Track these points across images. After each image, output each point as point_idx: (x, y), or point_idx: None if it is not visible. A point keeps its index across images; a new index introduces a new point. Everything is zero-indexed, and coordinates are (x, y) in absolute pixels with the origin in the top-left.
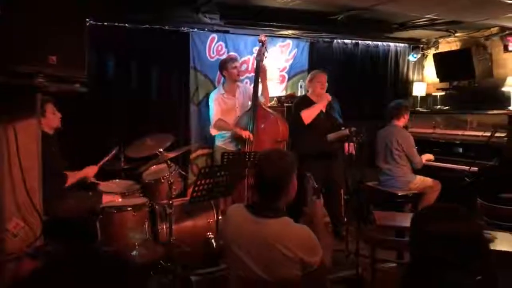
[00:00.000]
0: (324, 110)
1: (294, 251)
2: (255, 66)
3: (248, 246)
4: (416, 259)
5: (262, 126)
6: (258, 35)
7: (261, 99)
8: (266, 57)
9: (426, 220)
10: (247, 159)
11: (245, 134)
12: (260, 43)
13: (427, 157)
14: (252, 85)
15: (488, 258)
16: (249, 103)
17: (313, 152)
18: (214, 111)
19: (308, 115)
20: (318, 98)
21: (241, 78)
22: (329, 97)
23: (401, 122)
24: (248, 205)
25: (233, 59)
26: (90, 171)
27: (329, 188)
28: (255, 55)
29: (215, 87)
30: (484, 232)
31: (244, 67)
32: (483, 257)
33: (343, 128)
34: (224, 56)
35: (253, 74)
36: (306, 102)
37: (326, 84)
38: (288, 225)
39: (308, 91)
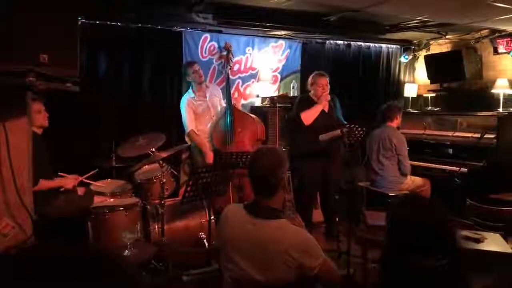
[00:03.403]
0: (326, 110)
1: (292, 254)
2: (224, 73)
3: (244, 247)
4: (389, 245)
5: (240, 128)
6: (251, 36)
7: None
8: (233, 63)
9: (397, 208)
10: (238, 160)
11: (208, 157)
12: (226, 51)
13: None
14: (224, 85)
15: (453, 242)
16: (222, 104)
17: (311, 152)
18: (187, 117)
19: (307, 117)
20: (318, 99)
21: (233, 78)
22: (328, 97)
23: (394, 123)
24: (246, 204)
25: (190, 64)
26: (69, 182)
27: (325, 189)
28: (247, 55)
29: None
30: (448, 217)
31: (236, 67)
32: (448, 241)
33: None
34: (216, 56)
35: (245, 74)
36: (307, 102)
37: (328, 86)
38: (287, 227)
39: (310, 91)
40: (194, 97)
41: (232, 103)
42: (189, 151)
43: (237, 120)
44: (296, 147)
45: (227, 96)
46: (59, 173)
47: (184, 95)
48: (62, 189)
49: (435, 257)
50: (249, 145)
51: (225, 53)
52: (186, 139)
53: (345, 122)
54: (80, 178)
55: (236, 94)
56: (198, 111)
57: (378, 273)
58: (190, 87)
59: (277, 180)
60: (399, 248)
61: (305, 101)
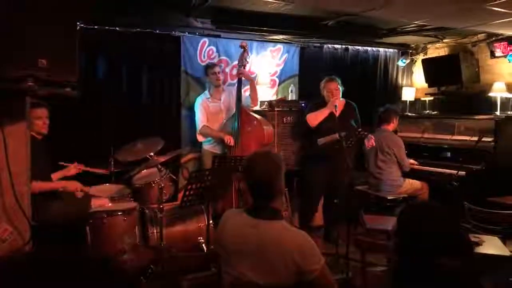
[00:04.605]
0: (337, 115)
1: (292, 255)
2: (238, 72)
3: (244, 250)
4: (403, 250)
5: (248, 129)
6: (249, 40)
7: (248, 101)
8: (248, 62)
9: (410, 219)
10: (237, 163)
11: (227, 138)
12: (242, 49)
13: (412, 161)
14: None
15: (467, 242)
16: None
17: (316, 155)
18: (200, 116)
19: (312, 118)
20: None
21: (232, 82)
22: (335, 102)
23: (391, 126)
24: (247, 208)
25: (211, 66)
26: (71, 185)
27: (330, 192)
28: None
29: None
30: (460, 224)
31: (235, 71)
32: (463, 243)
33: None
34: (215, 60)
35: (243, 78)
36: (318, 105)
37: (338, 90)
38: (286, 229)
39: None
40: (208, 98)
41: (243, 105)
42: (200, 153)
43: (244, 123)
44: (305, 150)
45: (237, 97)
46: (60, 163)
47: (200, 96)
48: (61, 189)
49: (459, 258)
50: (255, 149)
51: (240, 51)
52: (198, 137)
53: (359, 129)
54: (82, 167)
55: None
56: (210, 112)
57: (392, 277)
58: (207, 89)
59: (274, 183)
60: (420, 251)
61: (317, 105)
